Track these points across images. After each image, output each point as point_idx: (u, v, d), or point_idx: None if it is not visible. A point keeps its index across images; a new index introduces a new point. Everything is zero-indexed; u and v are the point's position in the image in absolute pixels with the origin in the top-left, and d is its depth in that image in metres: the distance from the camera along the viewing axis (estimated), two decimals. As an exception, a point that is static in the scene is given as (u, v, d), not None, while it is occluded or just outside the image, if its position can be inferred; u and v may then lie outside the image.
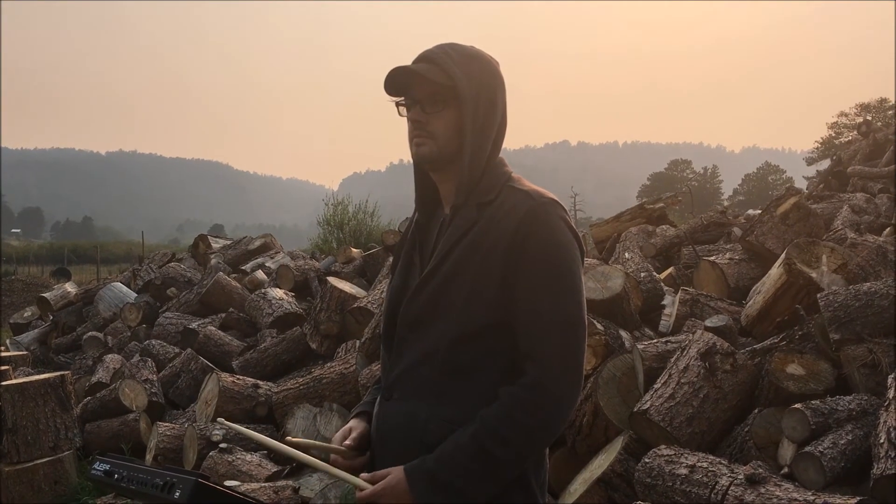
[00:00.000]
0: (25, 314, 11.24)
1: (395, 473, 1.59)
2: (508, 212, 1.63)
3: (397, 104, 1.72)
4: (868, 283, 4.09)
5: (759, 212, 7.04)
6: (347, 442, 1.75)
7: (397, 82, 1.67)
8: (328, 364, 6.00)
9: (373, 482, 1.61)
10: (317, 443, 1.78)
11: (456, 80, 1.64)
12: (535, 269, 1.60)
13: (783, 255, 4.79)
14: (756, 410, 3.69)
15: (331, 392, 5.61)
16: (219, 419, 1.88)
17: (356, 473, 1.68)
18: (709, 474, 3.28)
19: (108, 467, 1.60)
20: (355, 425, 1.80)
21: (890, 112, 38.89)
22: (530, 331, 1.59)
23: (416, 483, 1.57)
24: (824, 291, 4.15)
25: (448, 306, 1.63)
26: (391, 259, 7.62)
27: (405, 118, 1.71)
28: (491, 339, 1.63)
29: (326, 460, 1.74)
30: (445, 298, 1.64)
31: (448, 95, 1.65)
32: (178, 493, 1.44)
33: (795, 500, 2.96)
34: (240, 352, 7.07)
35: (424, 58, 1.68)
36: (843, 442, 3.26)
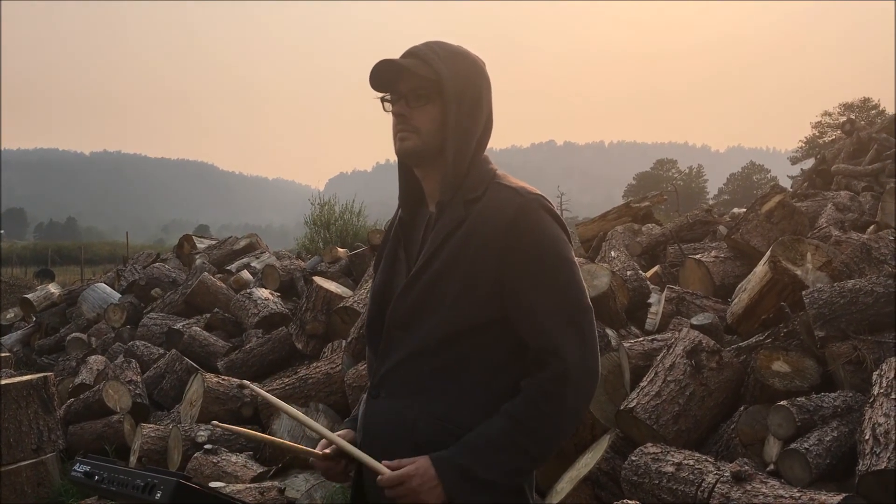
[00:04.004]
0: (8, 315, 11.12)
1: (422, 461, 1.57)
2: (497, 209, 1.63)
3: (382, 99, 1.72)
4: (852, 281, 4.11)
5: (745, 210, 7.07)
6: (326, 450, 1.73)
7: (383, 76, 1.68)
8: (314, 364, 5.97)
9: (396, 469, 1.58)
10: (297, 445, 1.76)
11: (441, 75, 1.65)
12: (536, 266, 1.61)
13: (768, 253, 4.81)
14: (742, 408, 3.70)
15: (317, 392, 5.59)
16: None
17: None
18: (695, 472, 3.28)
19: (88, 469, 1.57)
20: (343, 434, 1.78)
21: (873, 112, 39.23)
22: (542, 326, 1.60)
23: (448, 477, 1.56)
24: (809, 289, 4.16)
25: (438, 304, 1.63)
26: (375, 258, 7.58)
27: (390, 114, 1.71)
28: (480, 337, 1.63)
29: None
30: (435, 296, 1.64)
31: (432, 90, 1.66)
32: (159, 495, 1.42)
33: (781, 497, 2.97)
34: (225, 352, 7.02)
35: (410, 53, 1.69)
36: (828, 439, 3.27)
